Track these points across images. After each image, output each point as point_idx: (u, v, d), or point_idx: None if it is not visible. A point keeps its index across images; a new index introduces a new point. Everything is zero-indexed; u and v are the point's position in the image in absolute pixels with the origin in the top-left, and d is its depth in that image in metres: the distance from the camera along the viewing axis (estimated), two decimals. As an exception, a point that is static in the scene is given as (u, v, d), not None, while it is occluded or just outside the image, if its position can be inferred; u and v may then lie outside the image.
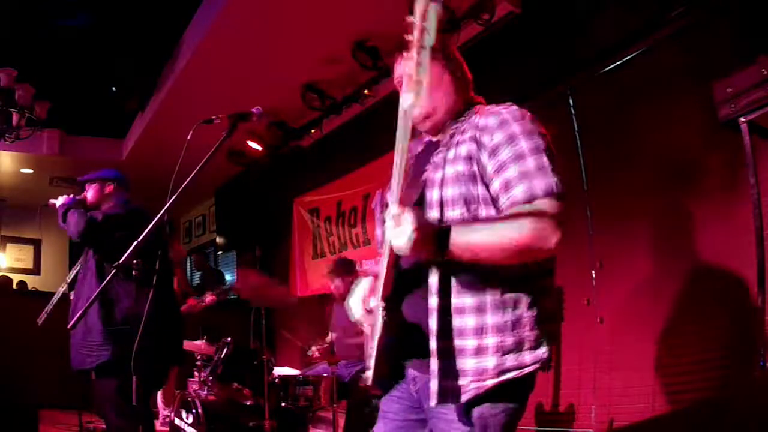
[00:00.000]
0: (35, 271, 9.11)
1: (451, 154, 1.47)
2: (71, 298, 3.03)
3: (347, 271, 4.20)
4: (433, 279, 1.40)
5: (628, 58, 3.33)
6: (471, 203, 1.40)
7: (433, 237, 1.29)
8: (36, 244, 9.22)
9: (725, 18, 2.89)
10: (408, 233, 1.24)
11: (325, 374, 3.71)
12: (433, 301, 1.39)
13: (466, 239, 1.30)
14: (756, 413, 2.36)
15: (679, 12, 3.05)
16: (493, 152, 1.38)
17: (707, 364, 2.82)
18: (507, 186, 1.35)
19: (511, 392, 1.38)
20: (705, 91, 2.68)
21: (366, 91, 4.95)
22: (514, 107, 1.45)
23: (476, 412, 1.39)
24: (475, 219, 1.38)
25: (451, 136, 1.51)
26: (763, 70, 2.39)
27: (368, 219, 5.38)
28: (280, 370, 4.02)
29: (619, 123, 3.40)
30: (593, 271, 3.42)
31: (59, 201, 2.94)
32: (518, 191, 1.33)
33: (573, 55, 3.65)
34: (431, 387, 1.37)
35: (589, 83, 3.58)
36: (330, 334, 4.31)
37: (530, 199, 1.32)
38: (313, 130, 5.75)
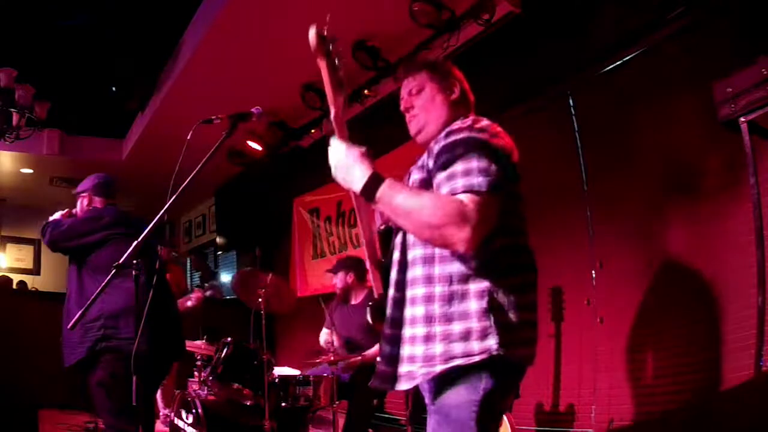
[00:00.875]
0: (35, 271, 9.11)
1: (416, 165, 1.65)
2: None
3: (351, 267, 4.18)
4: (393, 274, 1.58)
5: (628, 58, 3.33)
6: None
7: (362, 175, 1.48)
8: (36, 244, 9.21)
9: (725, 18, 2.88)
10: (333, 155, 1.55)
11: (325, 374, 3.71)
12: (392, 292, 1.57)
13: (390, 192, 1.44)
14: (755, 413, 2.36)
15: (679, 12, 3.05)
16: (436, 158, 1.51)
17: (707, 363, 2.82)
18: (438, 187, 1.47)
19: (466, 383, 1.44)
20: (705, 91, 2.68)
21: (366, 91, 4.95)
22: (471, 120, 1.55)
23: (438, 402, 1.49)
24: (411, 188, 1.54)
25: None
26: (763, 70, 2.39)
27: (368, 219, 5.38)
28: (280, 370, 4.01)
29: (619, 123, 3.40)
30: (593, 271, 3.43)
31: (53, 217, 3.07)
32: (444, 189, 1.44)
33: (573, 55, 3.65)
34: (380, 369, 1.54)
35: (589, 83, 3.58)
36: (324, 331, 4.31)
37: (452, 194, 1.42)
38: (313, 130, 5.75)
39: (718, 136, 2.76)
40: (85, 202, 3.08)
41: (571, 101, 3.65)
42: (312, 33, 1.51)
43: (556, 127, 3.70)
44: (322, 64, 1.54)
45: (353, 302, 4.19)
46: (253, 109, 2.09)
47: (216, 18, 4.34)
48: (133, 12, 5.16)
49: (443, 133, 1.54)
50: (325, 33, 1.52)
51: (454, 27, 4.01)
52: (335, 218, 5.91)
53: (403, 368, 1.49)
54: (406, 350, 1.49)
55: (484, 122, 1.54)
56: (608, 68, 3.44)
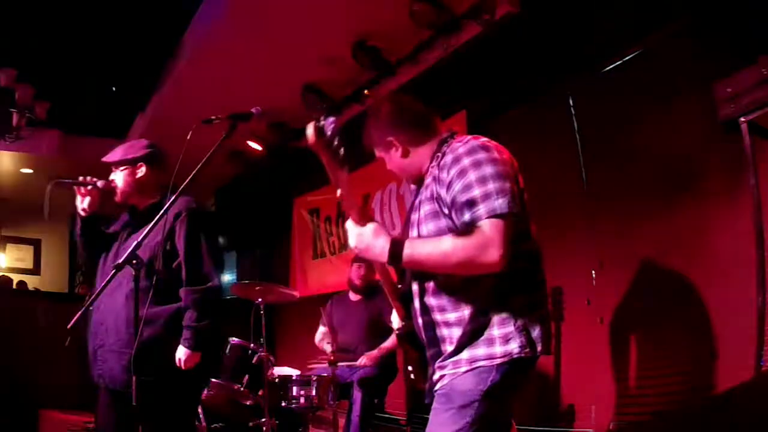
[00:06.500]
0: (35, 271, 9.11)
1: (424, 195, 1.69)
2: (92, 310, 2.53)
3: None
4: (416, 303, 1.70)
5: (628, 58, 3.33)
6: (443, 235, 1.58)
7: (384, 248, 1.57)
8: (36, 244, 9.21)
9: (725, 18, 2.88)
10: (353, 239, 1.61)
11: (325, 374, 3.71)
12: (420, 320, 1.70)
13: (413, 253, 1.55)
14: (756, 413, 2.36)
15: (679, 12, 3.05)
16: (448, 187, 1.58)
17: (707, 363, 2.82)
18: (460, 214, 1.55)
19: (476, 373, 1.56)
20: (705, 91, 2.68)
21: (366, 91, 4.95)
22: (471, 141, 1.61)
23: (445, 386, 1.61)
24: (428, 236, 1.62)
25: (426, 178, 1.72)
26: (764, 70, 2.38)
27: (368, 219, 5.37)
28: (280, 370, 4.02)
29: (619, 123, 3.39)
30: (593, 271, 3.42)
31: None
32: (466, 217, 1.53)
33: (573, 55, 3.65)
34: (429, 384, 1.68)
35: (589, 83, 3.58)
36: (321, 330, 4.32)
37: (475, 222, 1.50)
38: (313, 131, 5.75)
39: (718, 136, 2.76)
40: (140, 174, 2.52)
41: (571, 101, 3.65)
42: (310, 130, 1.52)
43: (556, 127, 3.70)
44: (323, 155, 1.58)
45: (352, 299, 4.24)
46: (253, 109, 2.09)
47: (216, 18, 4.34)
48: (134, 12, 5.15)
49: (449, 158, 1.59)
50: (321, 122, 1.50)
51: (454, 27, 4.00)
52: (335, 218, 5.91)
53: (441, 374, 1.64)
54: (443, 362, 1.63)
55: (482, 139, 1.63)
56: (608, 68, 3.44)
